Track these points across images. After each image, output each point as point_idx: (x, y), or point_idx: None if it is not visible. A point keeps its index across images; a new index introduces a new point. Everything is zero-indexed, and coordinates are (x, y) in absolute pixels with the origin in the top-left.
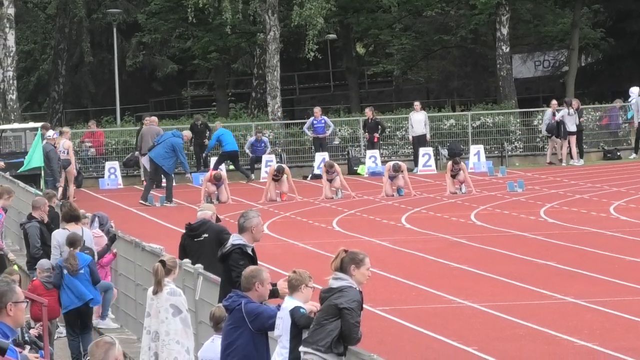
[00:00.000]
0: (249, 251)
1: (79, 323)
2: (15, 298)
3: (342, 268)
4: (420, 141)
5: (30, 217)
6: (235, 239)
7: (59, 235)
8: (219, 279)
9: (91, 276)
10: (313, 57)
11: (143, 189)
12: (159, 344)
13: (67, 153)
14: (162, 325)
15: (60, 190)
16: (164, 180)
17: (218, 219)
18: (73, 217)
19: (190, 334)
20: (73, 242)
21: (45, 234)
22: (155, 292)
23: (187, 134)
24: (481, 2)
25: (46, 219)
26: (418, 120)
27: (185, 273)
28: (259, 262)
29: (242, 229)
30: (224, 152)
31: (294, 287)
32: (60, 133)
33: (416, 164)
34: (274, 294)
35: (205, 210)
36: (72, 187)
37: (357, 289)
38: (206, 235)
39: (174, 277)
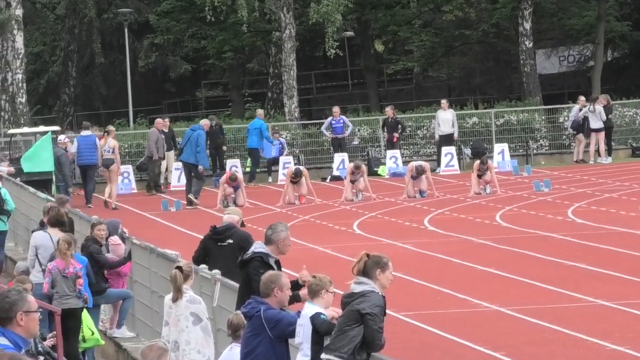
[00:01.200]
0: (271, 262)
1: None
2: (27, 307)
3: (366, 272)
4: (447, 140)
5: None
6: (258, 246)
7: (38, 236)
8: (237, 285)
9: (87, 277)
10: (333, 55)
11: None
12: (179, 354)
13: (112, 152)
14: (182, 335)
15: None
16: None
17: (243, 224)
18: (58, 222)
19: (211, 342)
20: (70, 243)
21: None
22: (174, 300)
23: (206, 122)
24: None
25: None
26: (446, 119)
27: (203, 279)
28: None
29: (268, 241)
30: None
31: (314, 293)
32: (107, 132)
33: (439, 164)
34: (296, 298)
35: (233, 214)
36: (114, 188)
37: (380, 293)
38: (230, 240)
39: (190, 283)
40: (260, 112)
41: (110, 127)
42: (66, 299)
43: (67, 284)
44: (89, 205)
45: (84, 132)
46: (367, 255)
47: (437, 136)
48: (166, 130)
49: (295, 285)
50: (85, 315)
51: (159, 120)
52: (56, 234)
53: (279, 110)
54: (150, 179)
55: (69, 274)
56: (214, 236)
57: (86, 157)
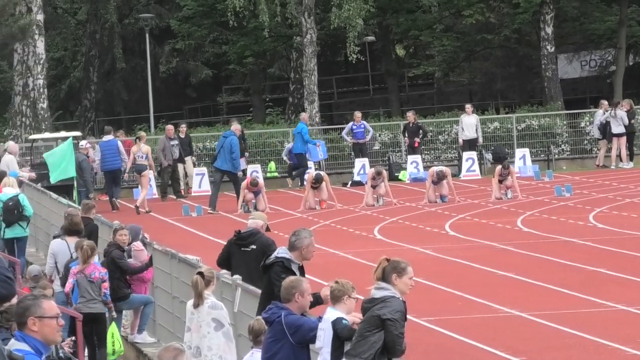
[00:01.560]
0: (293, 268)
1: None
2: (40, 313)
3: (385, 277)
4: (471, 145)
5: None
6: (281, 252)
7: (55, 245)
8: (258, 290)
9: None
10: (354, 60)
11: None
12: None
13: (145, 157)
14: (204, 340)
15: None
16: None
17: (268, 229)
18: (74, 231)
19: (233, 348)
20: (94, 249)
21: None
22: (196, 306)
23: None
24: (525, 0)
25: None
26: (470, 124)
27: (224, 285)
28: None
29: (292, 248)
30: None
31: (336, 298)
32: (139, 138)
33: (460, 169)
34: (317, 301)
35: (257, 219)
36: (143, 193)
37: (400, 298)
38: (254, 246)
39: (212, 288)
40: (304, 115)
41: (142, 133)
42: (93, 303)
43: (93, 288)
44: (116, 206)
45: (106, 137)
46: (387, 260)
47: (460, 141)
48: (182, 136)
49: (317, 300)
50: (115, 329)
51: (168, 127)
52: (73, 241)
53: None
54: (161, 185)
55: (95, 279)
56: (238, 241)
57: (110, 162)
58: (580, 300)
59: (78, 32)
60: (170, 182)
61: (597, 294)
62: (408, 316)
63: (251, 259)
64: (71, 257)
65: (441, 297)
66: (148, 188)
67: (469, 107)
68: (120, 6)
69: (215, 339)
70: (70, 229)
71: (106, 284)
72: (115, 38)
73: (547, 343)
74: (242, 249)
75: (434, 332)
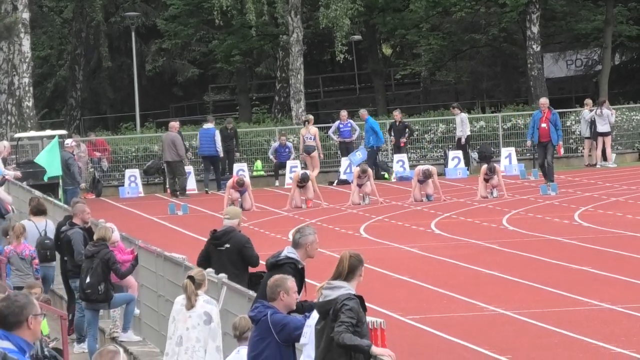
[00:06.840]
0: (299, 268)
1: None
2: (35, 311)
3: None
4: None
5: (72, 224)
6: (290, 251)
7: (25, 225)
8: (243, 289)
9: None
10: (341, 59)
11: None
12: (182, 350)
13: (313, 139)
14: (192, 332)
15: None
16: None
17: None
18: (40, 211)
19: (216, 344)
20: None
21: (88, 241)
22: (188, 308)
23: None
24: None
25: (89, 224)
26: (458, 122)
27: (209, 283)
28: None
29: (296, 245)
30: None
31: None
32: (307, 121)
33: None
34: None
35: (233, 219)
36: (316, 171)
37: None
38: (228, 245)
39: (204, 289)
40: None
41: (310, 116)
42: (27, 277)
43: (25, 264)
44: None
45: (206, 125)
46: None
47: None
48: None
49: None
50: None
51: (174, 124)
52: (39, 221)
53: (286, 114)
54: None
55: (26, 256)
56: (213, 241)
57: (206, 148)
58: (565, 299)
59: (64, 31)
60: (175, 179)
61: (582, 292)
62: (394, 315)
63: (226, 258)
64: (40, 234)
65: (426, 295)
66: (319, 168)
67: (455, 106)
68: (106, 4)
69: (203, 332)
70: (38, 209)
71: (36, 261)
72: (101, 37)
73: (532, 341)
74: (218, 248)
75: (419, 330)
